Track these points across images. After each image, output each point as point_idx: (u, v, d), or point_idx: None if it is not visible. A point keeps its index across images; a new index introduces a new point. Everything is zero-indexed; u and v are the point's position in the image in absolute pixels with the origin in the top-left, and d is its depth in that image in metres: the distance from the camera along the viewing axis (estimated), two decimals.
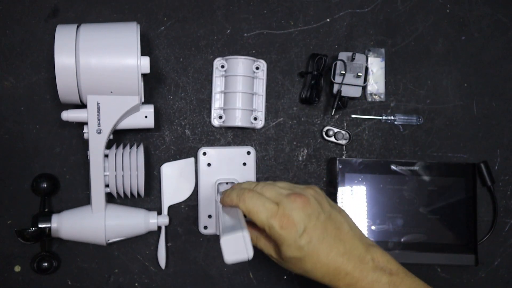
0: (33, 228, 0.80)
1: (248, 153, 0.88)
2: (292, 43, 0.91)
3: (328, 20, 0.91)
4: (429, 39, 0.92)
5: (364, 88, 0.90)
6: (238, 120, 0.86)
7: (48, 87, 0.87)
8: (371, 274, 0.65)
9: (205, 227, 0.88)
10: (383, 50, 0.91)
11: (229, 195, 0.69)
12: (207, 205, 0.87)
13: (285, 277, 0.89)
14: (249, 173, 0.88)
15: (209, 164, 0.88)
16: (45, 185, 0.85)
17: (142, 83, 0.81)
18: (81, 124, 0.81)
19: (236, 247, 0.63)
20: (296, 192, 0.67)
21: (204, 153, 0.88)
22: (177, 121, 0.89)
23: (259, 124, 0.89)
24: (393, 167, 0.87)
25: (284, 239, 0.65)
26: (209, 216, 0.87)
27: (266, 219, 0.65)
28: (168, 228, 0.88)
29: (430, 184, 0.87)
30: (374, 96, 0.90)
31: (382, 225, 0.86)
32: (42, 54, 0.88)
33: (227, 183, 0.88)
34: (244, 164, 0.88)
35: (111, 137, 0.81)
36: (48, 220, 0.81)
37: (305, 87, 0.89)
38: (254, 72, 0.88)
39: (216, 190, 0.86)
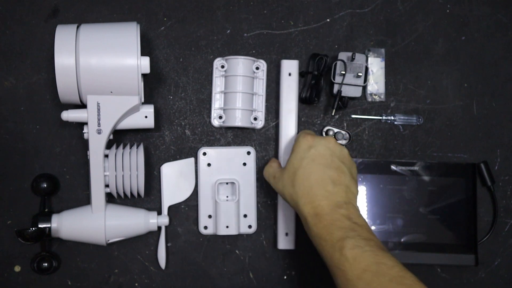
0: (33, 228, 0.80)
1: (248, 153, 0.88)
2: (292, 43, 0.91)
3: (328, 20, 0.91)
4: (429, 39, 0.92)
5: (364, 88, 0.90)
6: (238, 120, 0.86)
7: (48, 87, 0.88)
8: (339, 216, 0.71)
9: (205, 227, 0.88)
10: (383, 50, 0.91)
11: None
12: (207, 205, 0.87)
13: (285, 277, 0.89)
14: (249, 173, 0.88)
15: (209, 164, 0.88)
16: (45, 185, 0.85)
17: (142, 83, 0.81)
18: (81, 124, 0.81)
19: None
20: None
21: (204, 153, 0.88)
22: (177, 121, 0.89)
23: (259, 124, 0.89)
24: (393, 167, 0.87)
25: (297, 147, 0.77)
26: (209, 216, 0.87)
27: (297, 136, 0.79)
28: (168, 228, 0.88)
29: (430, 184, 0.87)
30: (374, 96, 0.90)
31: (382, 225, 0.86)
32: (42, 54, 0.88)
33: (227, 183, 0.88)
34: (244, 164, 0.88)
35: (111, 137, 0.81)
36: (48, 220, 0.81)
37: (305, 87, 0.89)
38: (254, 72, 0.88)
39: (216, 190, 0.87)
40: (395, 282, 0.64)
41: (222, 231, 0.86)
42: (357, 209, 0.73)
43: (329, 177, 0.74)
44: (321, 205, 0.72)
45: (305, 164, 0.75)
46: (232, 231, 0.86)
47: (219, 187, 0.87)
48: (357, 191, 0.76)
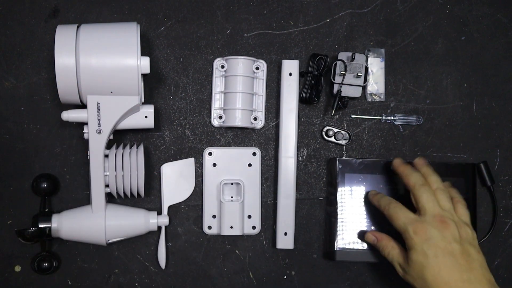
0: (33, 228, 0.80)
1: (254, 154, 0.88)
2: (292, 43, 0.91)
3: (328, 20, 0.91)
4: (429, 39, 0.92)
5: (364, 88, 0.90)
6: (238, 120, 0.86)
7: (48, 87, 0.88)
8: None
9: (209, 227, 0.88)
10: (383, 50, 0.91)
11: (378, 200, 0.82)
12: (211, 205, 0.88)
13: (285, 277, 0.89)
14: (254, 174, 0.88)
15: (214, 164, 0.88)
16: (45, 185, 0.85)
17: (142, 83, 0.81)
18: (81, 124, 0.81)
19: None
20: (443, 217, 0.75)
21: (210, 153, 0.88)
22: (177, 121, 0.89)
23: (259, 124, 0.89)
24: None
25: (414, 243, 0.74)
26: (213, 216, 0.88)
27: (404, 224, 0.76)
28: (168, 228, 0.88)
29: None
30: (374, 96, 0.91)
31: (382, 225, 0.86)
32: (42, 54, 0.88)
33: (232, 183, 0.88)
34: (250, 165, 0.88)
35: (111, 137, 0.81)
36: (48, 220, 0.81)
37: (305, 87, 0.89)
38: (254, 72, 0.88)
39: (221, 190, 0.87)
40: None
41: (226, 232, 0.86)
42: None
43: (459, 268, 0.72)
44: None
45: (431, 263, 0.73)
46: (236, 232, 0.86)
47: (224, 188, 0.87)
48: (489, 272, 0.75)
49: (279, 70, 0.89)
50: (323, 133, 0.89)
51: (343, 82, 0.87)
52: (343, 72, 0.87)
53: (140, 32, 0.79)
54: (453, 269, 0.72)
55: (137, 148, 0.83)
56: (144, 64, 0.78)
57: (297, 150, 0.89)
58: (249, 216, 0.88)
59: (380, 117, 0.90)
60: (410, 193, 0.79)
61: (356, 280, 0.89)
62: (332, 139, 0.89)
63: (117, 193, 0.83)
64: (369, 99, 0.91)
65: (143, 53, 0.83)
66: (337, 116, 0.91)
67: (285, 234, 0.87)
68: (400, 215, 0.77)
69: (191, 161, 0.88)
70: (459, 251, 0.73)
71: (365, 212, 0.86)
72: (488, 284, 0.72)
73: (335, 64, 0.87)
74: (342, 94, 0.87)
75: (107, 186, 0.82)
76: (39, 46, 0.88)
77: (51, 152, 0.87)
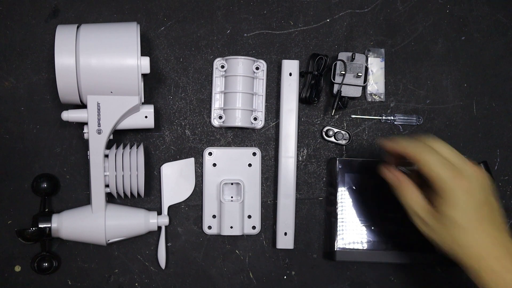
0: (33, 228, 0.80)
1: (254, 154, 0.88)
2: (292, 43, 0.91)
3: (328, 20, 0.91)
4: (429, 39, 0.92)
5: (364, 88, 0.90)
6: (238, 120, 0.87)
7: (48, 87, 0.88)
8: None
9: (209, 227, 0.88)
10: (383, 50, 0.91)
11: (406, 145, 0.71)
12: (211, 205, 0.88)
13: (285, 277, 0.89)
14: (254, 174, 0.88)
15: (214, 164, 0.88)
16: (45, 185, 0.85)
17: (142, 83, 0.81)
18: (81, 124, 0.81)
19: None
20: (463, 176, 0.68)
21: (210, 153, 0.88)
22: (177, 121, 0.89)
23: (259, 124, 0.89)
24: None
25: (453, 189, 0.67)
26: (213, 216, 0.88)
27: (441, 169, 0.67)
28: (168, 228, 0.88)
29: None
30: (374, 96, 0.91)
31: (382, 225, 0.86)
32: (42, 54, 0.88)
33: (232, 183, 0.88)
34: (250, 165, 0.88)
35: (111, 137, 0.81)
36: (48, 220, 0.81)
37: (305, 87, 0.89)
38: (254, 72, 0.88)
39: (221, 190, 0.87)
40: None
41: (226, 232, 0.86)
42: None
43: (493, 229, 0.69)
44: (498, 255, 0.68)
45: (470, 226, 0.68)
46: (236, 232, 0.86)
47: (224, 188, 0.87)
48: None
49: (279, 70, 0.89)
50: (323, 133, 0.89)
51: (343, 82, 0.87)
52: (343, 72, 0.87)
53: (140, 32, 0.79)
54: (490, 225, 0.68)
55: (137, 148, 0.83)
56: (144, 64, 0.78)
57: (297, 150, 0.89)
58: (249, 216, 0.88)
59: (380, 117, 0.90)
60: (416, 167, 0.71)
61: (356, 280, 0.89)
62: (332, 139, 0.89)
63: (117, 193, 0.83)
64: (369, 99, 0.91)
65: (143, 53, 0.83)
66: (337, 116, 0.91)
67: (285, 234, 0.87)
68: (435, 161, 0.68)
69: (191, 161, 0.88)
70: (493, 208, 0.70)
71: (365, 212, 0.86)
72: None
73: (335, 64, 0.87)
74: (342, 94, 0.87)
75: (107, 186, 0.82)
76: (39, 46, 0.88)
77: (51, 152, 0.87)
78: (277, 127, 0.90)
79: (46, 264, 0.84)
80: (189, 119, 0.89)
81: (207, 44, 0.90)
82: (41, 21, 0.88)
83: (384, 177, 0.75)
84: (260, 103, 0.89)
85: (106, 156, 0.82)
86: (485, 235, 0.68)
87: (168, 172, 0.88)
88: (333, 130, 0.89)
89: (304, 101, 0.89)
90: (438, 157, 0.69)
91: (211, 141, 0.89)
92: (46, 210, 0.85)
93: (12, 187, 0.87)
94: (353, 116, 0.91)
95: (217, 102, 0.89)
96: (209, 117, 0.89)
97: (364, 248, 0.85)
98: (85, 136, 0.80)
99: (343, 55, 0.88)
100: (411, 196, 0.72)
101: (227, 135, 0.89)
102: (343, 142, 0.90)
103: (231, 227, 0.86)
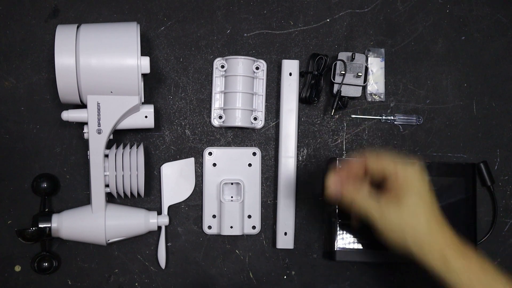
0: (33, 228, 0.80)
1: (254, 154, 0.88)
2: (292, 43, 0.91)
3: (328, 20, 0.91)
4: (429, 39, 0.92)
5: (364, 88, 0.90)
6: (238, 120, 0.87)
7: (48, 87, 0.88)
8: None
9: (209, 227, 0.88)
10: (383, 50, 0.91)
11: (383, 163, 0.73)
12: (211, 205, 0.88)
13: (284, 277, 0.89)
14: (254, 174, 0.88)
15: (214, 164, 0.88)
16: (45, 185, 0.85)
17: (142, 83, 0.81)
18: (81, 124, 0.81)
19: None
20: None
21: (210, 153, 0.88)
22: (177, 121, 0.89)
23: (259, 124, 0.89)
24: None
25: (411, 181, 0.70)
26: (213, 216, 0.88)
27: (399, 166, 0.71)
28: (168, 228, 0.88)
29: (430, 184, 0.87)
30: (374, 96, 0.91)
31: None
32: (42, 54, 0.88)
33: (232, 183, 0.88)
34: (250, 165, 0.88)
35: (111, 137, 0.82)
36: (48, 220, 0.81)
37: (305, 87, 0.89)
38: (254, 72, 0.88)
39: (221, 190, 0.87)
40: None
41: (226, 231, 0.86)
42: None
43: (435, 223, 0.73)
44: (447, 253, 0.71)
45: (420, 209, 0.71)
46: (236, 232, 0.86)
47: (224, 187, 0.87)
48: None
49: (279, 70, 0.89)
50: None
51: (343, 82, 0.87)
52: (343, 72, 0.87)
53: (140, 32, 0.79)
54: (433, 211, 0.72)
55: (137, 148, 0.83)
56: (144, 64, 0.78)
57: (297, 150, 0.89)
58: (249, 216, 0.88)
59: (380, 117, 0.90)
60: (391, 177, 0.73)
61: (356, 280, 0.89)
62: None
63: (117, 193, 0.83)
64: (369, 99, 0.91)
65: (143, 53, 0.83)
66: (337, 116, 0.91)
67: (285, 234, 0.87)
68: (392, 162, 0.72)
69: (191, 161, 0.88)
70: (434, 206, 0.73)
71: None
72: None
73: (335, 64, 0.87)
74: (342, 94, 0.87)
75: (107, 186, 0.82)
76: (39, 46, 0.88)
77: (51, 152, 0.87)
78: (277, 127, 0.90)
79: (46, 264, 0.84)
80: (189, 119, 0.89)
81: (207, 44, 0.90)
82: (41, 21, 0.88)
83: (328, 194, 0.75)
84: (260, 103, 0.89)
85: (106, 156, 0.82)
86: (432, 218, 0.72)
87: (168, 172, 0.88)
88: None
89: (304, 101, 0.89)
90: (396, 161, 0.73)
91: (211, 141, 0.89)
92: (46, 210, 0.85)
93: (12, 187, 0.87)
94: (353, 116, 0.91)
95: (217, 102, 0.89)
96: (209, 117, 0.89)
97: (364, 248, 0.85)
98: (85, 136, 0.80)
99: (343, 55, 0.88)
100: (361, 198, 0.73)
101: (227, 135, 0.89)
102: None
103: (231, 227, 0.86)
